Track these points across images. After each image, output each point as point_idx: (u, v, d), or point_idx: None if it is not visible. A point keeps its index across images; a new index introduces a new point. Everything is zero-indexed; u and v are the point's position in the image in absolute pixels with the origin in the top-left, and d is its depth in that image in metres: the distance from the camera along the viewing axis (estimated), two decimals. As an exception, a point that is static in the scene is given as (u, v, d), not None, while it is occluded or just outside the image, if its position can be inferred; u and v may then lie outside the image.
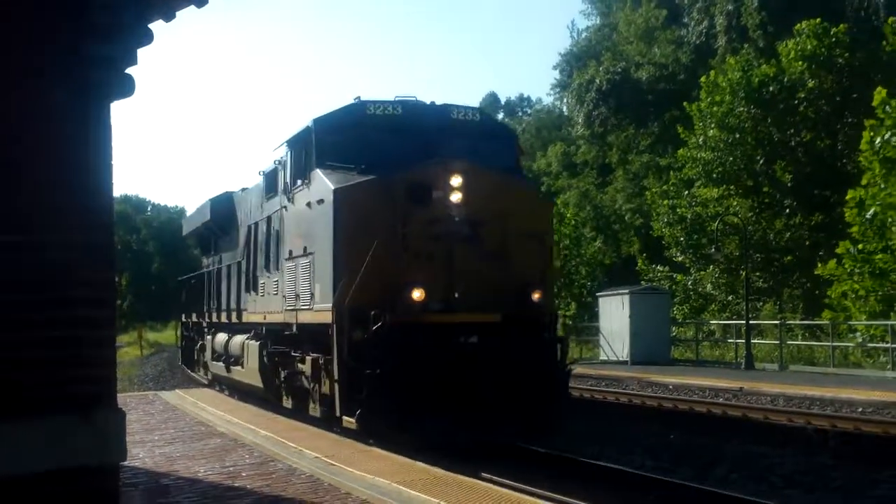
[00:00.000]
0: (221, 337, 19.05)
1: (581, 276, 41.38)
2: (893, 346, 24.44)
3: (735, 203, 36.31)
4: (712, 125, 36.23)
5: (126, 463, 7.19)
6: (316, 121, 12.92)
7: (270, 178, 15.70)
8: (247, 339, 16.37)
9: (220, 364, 18.79)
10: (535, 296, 11.93)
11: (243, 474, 8.50)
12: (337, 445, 10.32)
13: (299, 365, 13.21)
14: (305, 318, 12.84)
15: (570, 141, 57.87)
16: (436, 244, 11.55)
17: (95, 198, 4.20)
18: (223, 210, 20.44)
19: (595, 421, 15.73)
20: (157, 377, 31.34)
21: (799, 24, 35.36)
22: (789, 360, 27.51)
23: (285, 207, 14.25)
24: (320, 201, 12.28)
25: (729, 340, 31.68)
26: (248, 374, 16.04)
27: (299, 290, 13.12)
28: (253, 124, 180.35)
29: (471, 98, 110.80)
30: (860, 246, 27.27)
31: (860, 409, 16.46)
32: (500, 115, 73.82)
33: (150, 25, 4.52)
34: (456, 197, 11.54)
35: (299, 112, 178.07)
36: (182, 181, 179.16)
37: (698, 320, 35.29)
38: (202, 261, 25.41)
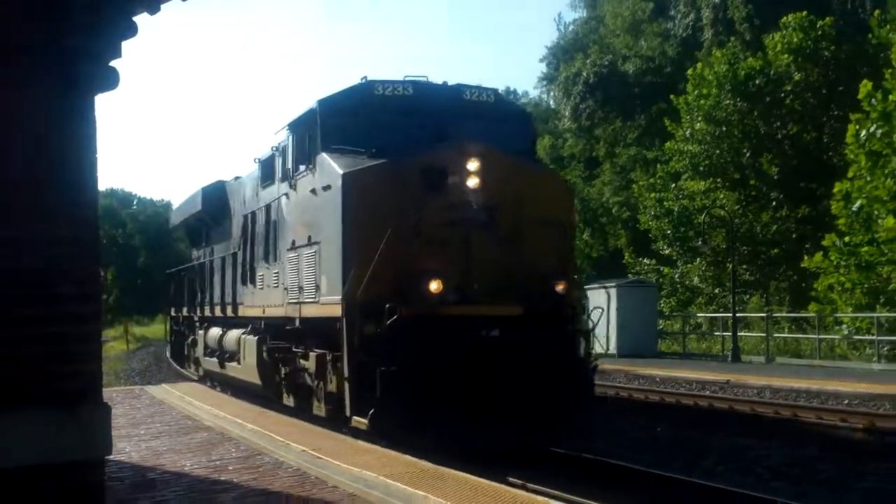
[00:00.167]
0: (215, 332, 18.41)
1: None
2: (879, 338, 24.63)
3: (722, 196, 36.45)
4: (699, 118, 36.36)
5: (112, 457, 7.18)
6: (321, 102, 12.10)
7: (267, 165, 14.91)
8: (243, 333, 15.66)
9: (214, 360, 18.11)
10: (559, 287, 11.16)
11: (230, 468, 8.45)
12: (323, 438, 10.24)
13: (302, 361, 12.48)
14: (310, 311, 12.08)
15: (557, 134, 57.82)
16: (451, 230, 10.80)
17: (80, 192, 4.15)
18: (215, 200, 19.51)
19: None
20: (143, 371, 31.19)
21: (785, 17, 35.57)
22: (776, 353, 27.66)
23: (286, 195, 13.48)
24: (327, 187, 11.52)
25: (716, 333, 31.85)
26: (245, 370, 15.34)
27: (303, 283, 12.36)
28: (239, 116, 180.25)
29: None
30: (846, 239, 27.39)
31: (846, 401, 16.55)
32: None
33: (135, 18, 4.47)
34: (473, 182, 10.82)
35: (285, 104, 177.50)
36: (168, 174, 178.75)
37: (685, 313, 35.47)
38: (192, 253, 24.42)
